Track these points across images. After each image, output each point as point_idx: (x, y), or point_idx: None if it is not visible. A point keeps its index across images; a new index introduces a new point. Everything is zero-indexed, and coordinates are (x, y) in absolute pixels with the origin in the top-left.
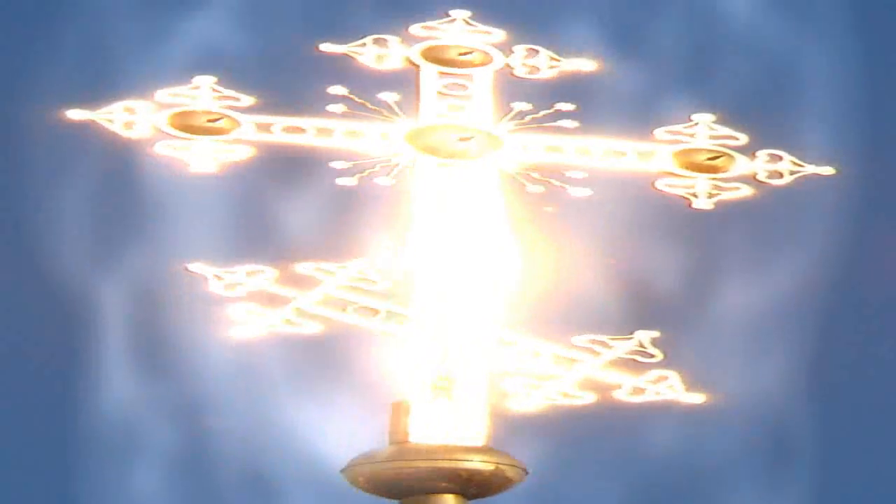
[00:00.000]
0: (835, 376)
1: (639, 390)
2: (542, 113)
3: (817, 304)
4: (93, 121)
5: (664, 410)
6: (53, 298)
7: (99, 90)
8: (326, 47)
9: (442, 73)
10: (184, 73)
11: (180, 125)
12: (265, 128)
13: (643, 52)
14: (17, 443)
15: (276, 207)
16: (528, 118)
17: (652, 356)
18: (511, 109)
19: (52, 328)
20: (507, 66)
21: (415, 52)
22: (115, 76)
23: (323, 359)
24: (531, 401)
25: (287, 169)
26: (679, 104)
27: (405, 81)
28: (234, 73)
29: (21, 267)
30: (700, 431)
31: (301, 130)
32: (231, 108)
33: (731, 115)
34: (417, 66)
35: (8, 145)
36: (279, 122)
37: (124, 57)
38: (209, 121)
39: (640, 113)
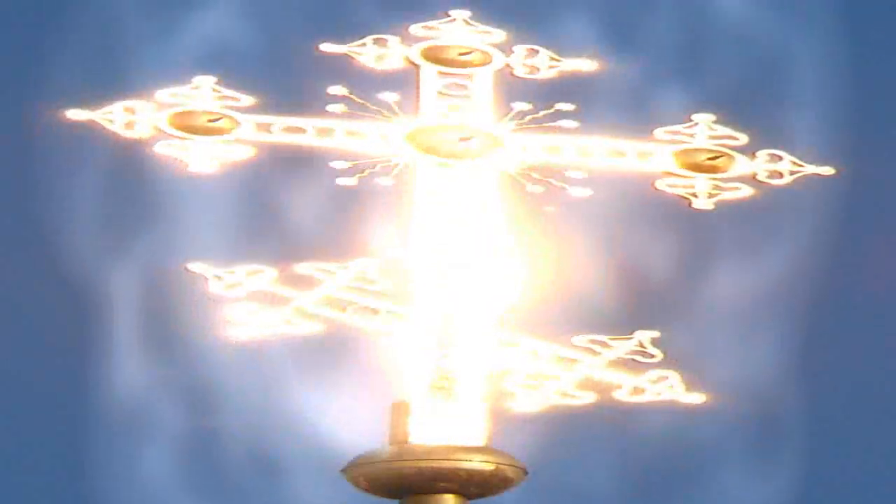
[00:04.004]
0: (834, 375)
1: (639, 390)
2: (542, 113)
3: (817, 304)
4: (93, 121)
5: (664, 410)
6: (62, 290)
7: (99, 90)
8: (326, 47)
9: (442, 73)
10: (185, 72)
11: (180, 125)
12: (265, 128)
13: (643, 50)
14: (32, 427)
15: (276, 207)
16: (528, 118)
17: (652, 356)
18: (511, 109)
19: (62, 319)
20: (507, 66)
21: (415, 52)
22: (116, 75)
23: (323, 359)
24: (531, 401)
25: (287, 169)
26: (679, 103)
27: (405, 81)
28: (234, 72)
29: (29, 260)
30: (697, 424)
31: (301, 130)
32: (231, 108)
33: (731, 114)
34: (417, 66)
35: (9, 145)
36: (279, 122)
37: (125, 56)
38: (209, 121)
39: (639, 113)
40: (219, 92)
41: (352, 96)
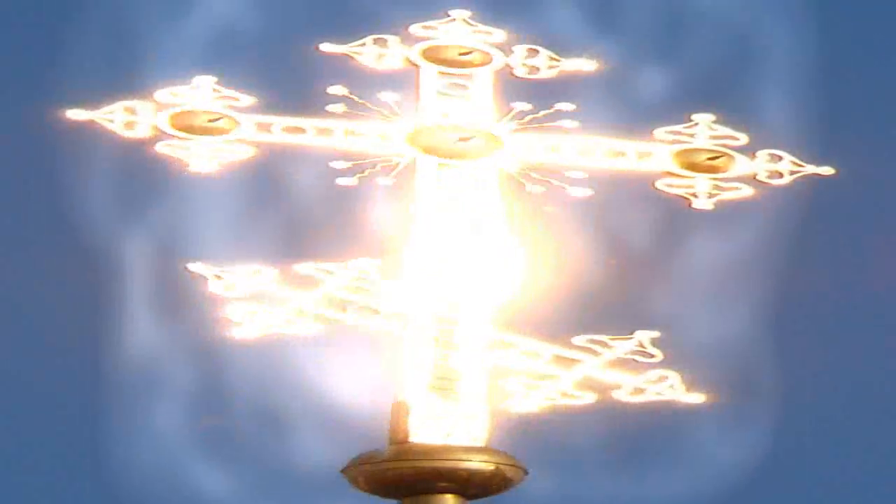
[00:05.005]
0: (835, 375)
1: (639, 390)
2: (542, 113)
3: (817, 303)
4: (93, 121)
5: (664, 410)
6: (63, 290)
7: (99, 90)
8: (326, 47)
9: (442, 73)
10: (185, 71)
11: (180, 125)
12: (265, 128)
13: (642, 49)
14: (46, 386)
15: (276, 207)
16: (528, 118)
17: (652, 356)
18: (511, 109)
19: (63, 318)
20: (507, 66)
21: (415, 52)
22: (116, 75)
23: (324, 359)
24: (531, 401)
25: (287, 169)
26: (679, 103)
27: (405, 81)
28: (234, 72)
29: (29, 260)
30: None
31: (301, 130)
32: (231, 108)
33: (731, 114)
34: (417, 66)
35: (8, 145)
36: (279, 122)
37: (123, 55)
38: (209, 121)
39: (639, 113)
40: (219, 92)
41: (352, 96)
